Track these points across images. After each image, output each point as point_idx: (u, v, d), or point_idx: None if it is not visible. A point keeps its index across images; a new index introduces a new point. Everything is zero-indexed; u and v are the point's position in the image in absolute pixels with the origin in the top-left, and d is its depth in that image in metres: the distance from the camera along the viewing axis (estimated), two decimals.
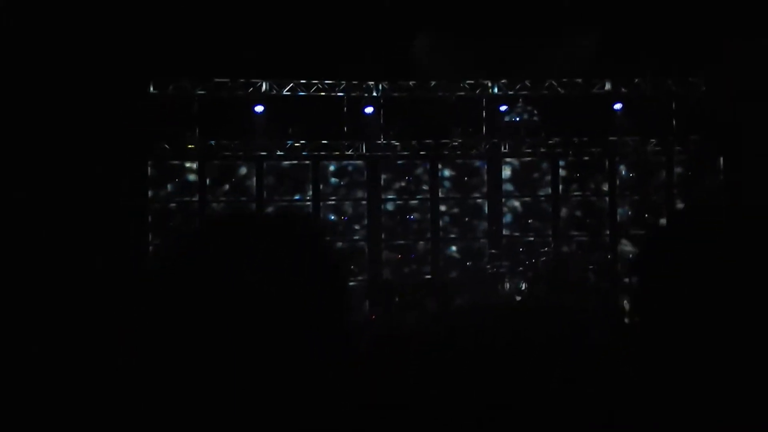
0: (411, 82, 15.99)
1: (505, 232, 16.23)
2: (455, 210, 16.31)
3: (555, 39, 15.29)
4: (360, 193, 16.17)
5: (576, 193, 16.40)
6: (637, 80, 16.00)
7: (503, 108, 16.20)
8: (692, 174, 16.18)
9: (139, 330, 2.06)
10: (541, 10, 14.66)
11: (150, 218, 15.31)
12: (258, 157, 15.85)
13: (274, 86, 15.74)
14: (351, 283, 13.86)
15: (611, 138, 16.11)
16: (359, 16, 14.46)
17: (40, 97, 13.40)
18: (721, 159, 15.99)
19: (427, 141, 16.15)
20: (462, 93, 16.11)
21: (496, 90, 16.19)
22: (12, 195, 12.94)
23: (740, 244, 2.26)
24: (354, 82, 15.85)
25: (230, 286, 1.98)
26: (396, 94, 16.06)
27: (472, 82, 16.06)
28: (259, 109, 15.65)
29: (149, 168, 15.39)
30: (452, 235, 16.24)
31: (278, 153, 15.88)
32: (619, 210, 16.32)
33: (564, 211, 16.35)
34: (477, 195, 16.35)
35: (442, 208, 16.30)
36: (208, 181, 15.74)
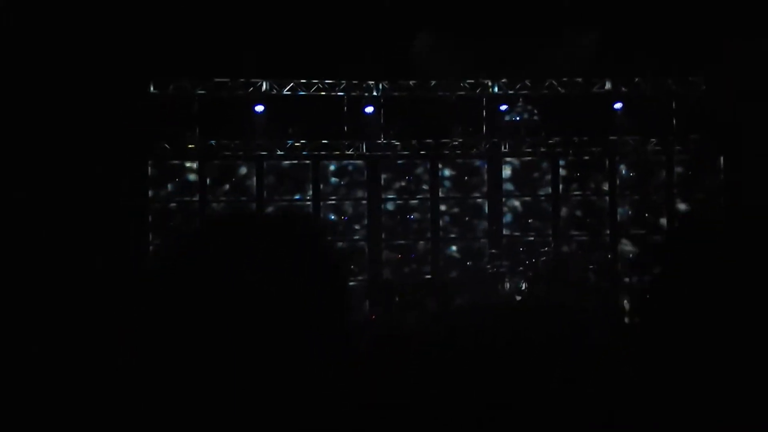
0: (411, 82, 15.98)
1: (505, 231, 16.22)
2: (455, 210, 16.30)
3: (555, 39, 15.28)
4: (360, 193, 16.16)
5: (576, 193, 16.39)
6: (637, 80, 16.00)
7: (503, 107, 16.20)
8: (692, 174, 16.18)
9: (140, 330, 2.06)
10: (541, 10, 14.66)
11: (150, 218, 15.30)
12: (258, 157, 15.84)
13: (275, 86, 15.74)
14: (351, 283, 13.87)
15: (611, 137, 16.11)
16: (359, 16, 14.46)
17: (40, 97, 13.40)
18: (722, 159, 15.98)
19: (428, 140, 16.15)
20: (462, 92, 16.10)
21: (496, 89, 16.19)
22: (12, 195, 12.94)
23: (741, 245, 2.26)
24: (354, 82, 15.85)
25: (230, 286, 1.98)
26: (396, 94, 16.05)
27: (472, 81, 16.06)
28: (259, 108, 15.65)
29: (149, 168, 15.39)
30: (452, 235, 16.23)
31: (278, 153, 15.88)
32: (620, 209, 16.32)
33: (564, 211, 16.34)
34: (477, 194, 16.34)
35: (443, 207, 16.30)
36: (208, 180, 15.73)
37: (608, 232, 16.27)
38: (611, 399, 2.50)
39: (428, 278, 15.75)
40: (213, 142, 15.62)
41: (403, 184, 16.25)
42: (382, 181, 16.16)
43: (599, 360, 2.64)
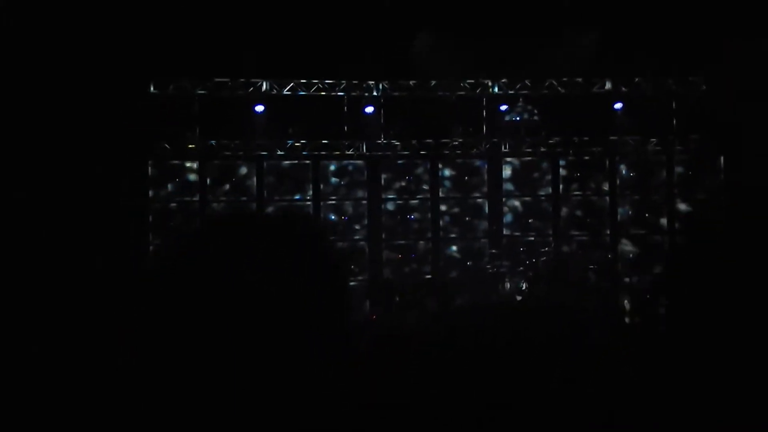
0: (411, 82, 15.98)
1: (505, 231, 16.22)
2: (455, 209, 16.30)
3: (555, 39, 15.28)
4: (360, 193, 16.16)
5: (576, 193, 16.39)
6: (637, 80, 16.00)
7: (503, 107, 16.19)
8: (693, 173, 16.18)
9: (140, 330, 2.06)
10: (541, 10, 14.66)
11: (150, 218, 15.30)
12: (258, 157, 15.84)
13: (275, 86, 15.74)
14: (352, 283, 13.86)
15: (612, 137, 16.11)
16: (359, 16, 14.46)
17: (40, 97, 13.40)
18: (722, 158, 15.98)
19: (428, 140, 16.15)
20: (462, 92, 16.10)
21: (496, 89, 16.19)
22: (12, 195, 12.94)
23: (742, 244, 2.26)
24: (354, 82, 15.85)
25: (230, 286, 1.98)
26: (396, 94, 16.05)
27: (472, 81, 16.06)
28: (259, 108, 15.65)
29: (150, 168, 15.39)
30: (452, 235, 16.23)
31: (278, 153, 15.88)
32: (620, 209, 16.31)
33: (564, 211, 16.34)
34: (477, 194, 16.34)
35: (443, 207, 16.29)
36: (208, 180, 15.73)
37: (608, 232, 16.27)
38: (611, 399, 2.50)
39: (428, 278, 15.75)
40: (213, 142, 15.63)
41: (403, 184, 16.25)
42: (383, 181, 16.16)
43: (599, 360, 2.64)
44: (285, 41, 14.65)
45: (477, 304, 13.92)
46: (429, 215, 16.21)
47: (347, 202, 16.12)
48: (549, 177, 16.37)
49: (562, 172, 16.36)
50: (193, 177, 15.68)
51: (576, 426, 2.47)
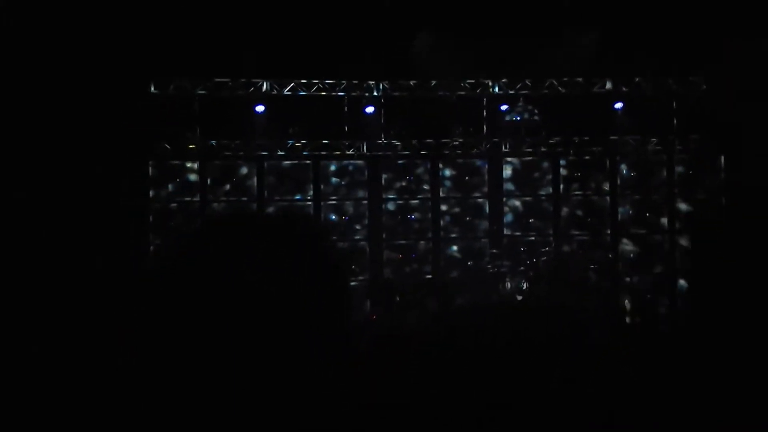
0: (411, 82, 15.98)
1: (506, 231, 16.22)
2: (456, 209, 16.30)
3: (555, 39, 15.28)
4: (361, 193, 16.16)
5: (577, 193, 16.38)
6: (637, 79, 16.00)
7: (504, 107, 16.19)
8: (693, 173, 16.18)
9: (140, 330, 2.06)
10: (541, 10, 14.66)
11: (151, 218, 15.30)
12: (259, 157, 15.84)
13: (275, 86, 15.74)
14: (352, 283, 13.85)
15: (612, 137, 16.11)
16: (359, 16, 14.46)
17: (40, 97, 13.40)
18: (722, 158, 15.99)
19: (428, 140, 16.15)
20: (463, 92, 16.10)
21: (496, 89, 16.19)
22: (12, 195, 12.94)
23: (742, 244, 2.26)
24: (354, 82, 15.85)
25: (231, 286, 1.98)
26: (396, 94, 16.05)
27: (472, 81, 16.06)
28: (259, 108, 15.65)
29: (150, 168, 15.39)
30: (453, 235, 16.23)
31: (279, 153, 15.88)
32: (620, 209, 16.31)
33: (565, 211, 16.34)
34: (478, 194, 16.33)
35: (443, 207, 16.29)
36: (208, 180, 15.73)
37: (609, 231, 16.27)
38: (611, 399, 2.50)
39: (429, 278, 15.75)
40: (213, 142, 15.63)
41: (403, 184, 16.25)
42: (383, 181, 16.16)
43: (599, 360, 2.63)
44: (285, 41, 14.66)
45: (477, 304, 13.92)
46: (429, 215, 16.21)
47: (348, 202, 16.12)
48: (549, 177, 16.36)
49: (563, 171, 16.35)
50: (193, 177, 15.68)
51: (576, 426, 2.47)
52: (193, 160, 15.66)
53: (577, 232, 16.27)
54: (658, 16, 14.42)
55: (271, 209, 15.27)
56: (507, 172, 16.33)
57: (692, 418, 2.29)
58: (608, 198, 16.34)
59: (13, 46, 13.29)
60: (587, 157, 16.30)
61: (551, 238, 16.13)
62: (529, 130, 16.15)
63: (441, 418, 2.50)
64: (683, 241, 15.87)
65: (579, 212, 16.31)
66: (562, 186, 16.35)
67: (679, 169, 16.22)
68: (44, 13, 13.41)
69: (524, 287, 15.01)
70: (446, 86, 15.97)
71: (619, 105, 16.04)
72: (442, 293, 14.53)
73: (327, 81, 15.77)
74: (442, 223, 16.22)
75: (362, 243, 16.00)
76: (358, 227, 16.08)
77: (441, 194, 16.26)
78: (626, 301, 15.22)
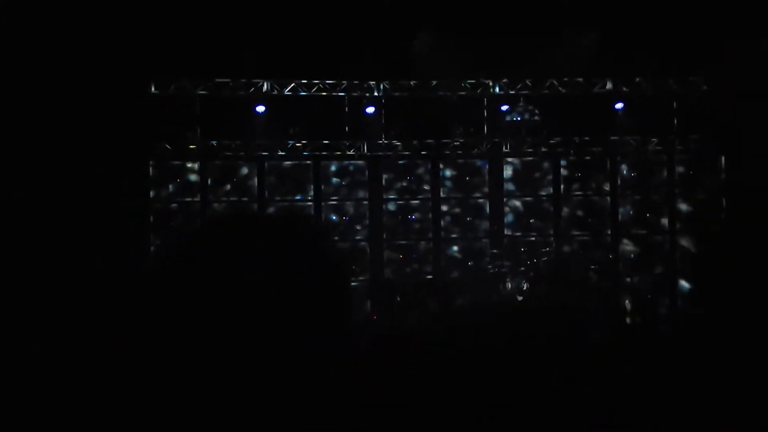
0: (412, 82, 15.98)
1: (506, 231, 16.22)
2: (457, 210, 16.30)
3: (555, 39, 15.28)
4: (361, 193, 16.16)
5: (577, 193, 16.39)
6: (638, 80, 16.00)
7: (504, 107, 16.19)
8: (693, 173, 16.18)
9: (140, 330, 2.06)
10: (541, 10, 14.66)
11: (151, 218, 15.31)
12: (259, 157, 15.85)
13: (275, 86, 15.74)
14: (353, 283, 13.85)
15: (612, 137, 16.11)
16: (359, 16, 14.46)
17: (41, 97, 13.40)
18: (722, 158, 15.99)
19: (429, 141, 16.15)
20: (463, 92, 16.10)
21: (497, 89, 16.19)
22: (12, 195, 12.94)
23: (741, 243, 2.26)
24: (355, 82, 15.85)
25: (231, 287, 1.98)
26: (397, 94, 16.05)
27: (473, 81, 16.06)
28: (260, 109, 15.65)
29: (150, 168, 15.40)
30: (454, 235, 16.23)
31: (279, 153, 15.88)
32: (621, 209, 16.31)
33: (565, 211, 16.34)
34: (478, 195, 16.34)
35: (444, 207, 16.30)
36: (209, 181, 15.74)
37: (609, 232, 16.27)
38: (611, 399, 2.49)
39: (429, 278, 15.75)
40: (214, 142, 15.63)
41: (404, 184, 16.25)
42: (384, 182, 16.16)
43: (599, 360, 2.63)
44: (285, 42, 14.66)
45: (478, 305, 13.91)
46: (430, 215, 16.22)
47: (348, 203, 16.13)
48: (550, 177, 16.37)
49: (563, 172, 16.36)
50: (194, 177, 15.69)
51: (576, 426, 2.47)
52: (193, 161, 15.66)
53: (577, 233, 16.27)
54: (658, 16, 14.42)
55: (271, 209, 15.28)
56: (507, 172, 16.33)
57: (692, 418, 2.29)
58: (609, 198, 16.34)
59: (13, 46, 13.29)
60: (588, 158, 16.30)
61: (552, 239, 16.13)
62: (530, 130, 16.15)
63: (441, 418, 2.50)
64: (684, 242, 15.88)
65: (579, 212, 16.31)
66: (562, 186, 16.36)
67: (679, 169, 16.23)
68: (44, 13, 13.41)
69: (525, 287, 15.01)
70: (447, 86, 15.97)
71: (619, 105, 16.04)
72: (443, 293, 14.52)
73: (327, 81, 15.77)
74: (442, 223, 16.22)
75: (363, 243, 16.01)
76: (358, 227, 16.08)
77: (441, 194, 16.26)
78: (627, 301, 15.22)
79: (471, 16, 14.56)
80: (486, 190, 16.32)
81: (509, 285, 15.18)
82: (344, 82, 15.80)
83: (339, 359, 2.05)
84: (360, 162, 16.16)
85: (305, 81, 15.72)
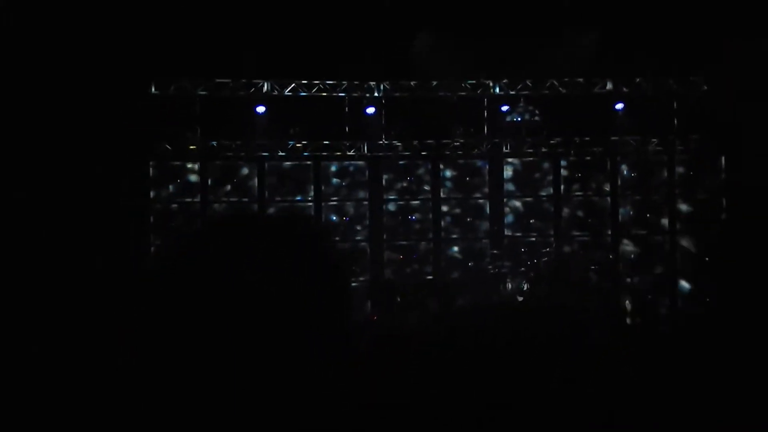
0: (412, 82, 15.98)
1: (506, 232, 16.22)
2: (457, 210, 16.30)
3: (555, 39, 15.28)
4: (362, 194, 16.16)
5: (578, 193, 16.39)
6: (638, 80, 16.00)
7: (505, 108, 16.19)
8: (693, 173, 16.18)
9: (140, 330, 2.06)
10: (541, 10, 14.66)
11: (151, 219, 15.31)
12: (259, 158, 15.85)
13: (276, 86, 15.74)
14: (353, 284, 13.85)
15: (613, 137, 16.11)
16: (359, 16, 14.46)
17: (41, 97, 13.40)
18: (723, 158, 15.99)
19: (429, 141, 16.15)
20: (463, 93, 16.10)
21: (497, 90, 16.19)
22: (12, 195, 12.94)
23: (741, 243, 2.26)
24: (355, 82, 15.85)
25: (231, 287, 1.98)
26: (397, 94, 16.05)
27: (473, 81, 16.06)
28: (260, 109, 15.65)
29: (151, 168, 15.40)
30: (454, 236, 16.23)
31: (280, 153, 15.88)
32: (621, 210, 16.31)
33: (565, 211, 16.34)
34: (478, 195, 16.34)
35: (444, 208, 16.30)
36: (209, 181, 15.74)
37: (610, 232, 16.27)
38: (611, 399, 2.50)
39: (430, 279, 15.75)
40: (214, 142, 15.63)
41: (404, 184, 16.25)
42: (384, 182, 16.16)
43: (599, 360, 2.63)
44: (286, 42, 14.66)
45: (478, 305, 13.91)
46: (430, 216, 16.22)
47: (348, 203, 16.13)
48: (550, 177, 16.37)
49: (564, 172, 16.35)
50: (194, 178, 15.69)
51: (576, 426, 2.47)
52: (193, 161, 15.66)
53: (577, 233, 16.27)
54: (658, 16, 14.42)
55: (271, 210, 15.28)
56: (508, 172, 16.33)
57: (692, 418, 2.29)
58: (609, 198, 16.34)
59: (13, 46, 13.29)
60: (588, 158, 16.30)
61: (552, 239, 16.13)
62: (530, 130, 16.15)
63: (441, 418, 2.50)
64: (684, 242, 15.88)
65: (580, 213, 16.31)
66: (562, 186, 16.36)
67: (679, 169, 16.22)
68: (45, 13, 13.42)
69: (525, 288, 15.01)
70: (447, 87, 15.97)
71: (619, 105, 16.04)
72: (443, 294, 14.53)
73: (328, 81, 15.77)
74: (442, 223, 16.22)
75: (363, 244, 16.01)
76: (358, 228, 16.08)
77: (442, 195, 16.26)
78: (627, 301, 15.22)
79: (471, 16, 14.56)
80: (486, 190, 16.31)
81: (509, 285, 15.18)
82: (344, 82, 15.80)
83: (339, 360, 2.05)
84: (360, 162, 16.16)
85: (305, 81, 15.73)
